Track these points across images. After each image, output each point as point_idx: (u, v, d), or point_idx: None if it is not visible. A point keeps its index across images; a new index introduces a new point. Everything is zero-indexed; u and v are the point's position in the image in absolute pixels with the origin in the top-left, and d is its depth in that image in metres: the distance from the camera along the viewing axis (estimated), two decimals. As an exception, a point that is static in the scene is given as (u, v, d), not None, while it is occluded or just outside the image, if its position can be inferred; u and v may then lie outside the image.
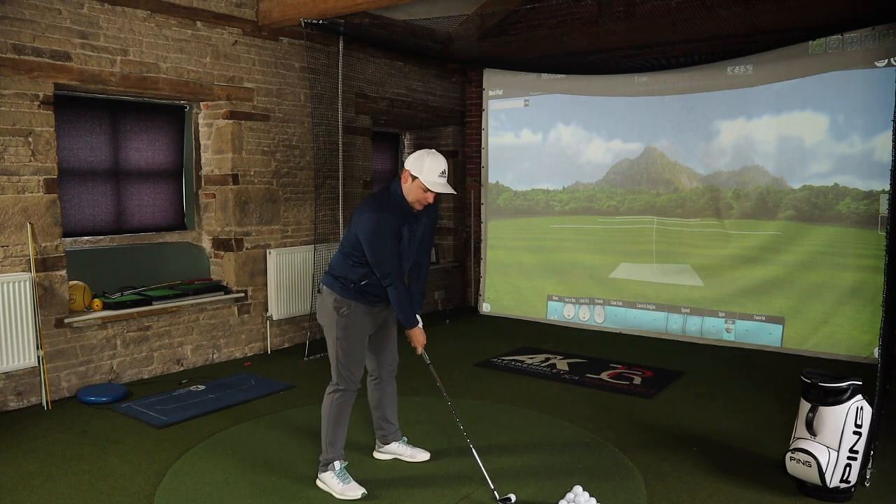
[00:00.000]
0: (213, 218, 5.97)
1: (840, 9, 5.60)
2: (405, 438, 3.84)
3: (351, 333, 3.44)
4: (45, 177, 4.69)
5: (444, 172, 3.30)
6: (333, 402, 3.47)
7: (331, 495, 3.37)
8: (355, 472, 3.53)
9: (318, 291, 3.56)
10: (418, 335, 3.52)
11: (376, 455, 3.81)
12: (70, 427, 4.27)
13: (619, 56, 6.95)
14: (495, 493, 3.31)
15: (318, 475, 3.49)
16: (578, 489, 3.17)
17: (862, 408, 3.30)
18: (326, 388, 3.52)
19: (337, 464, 3.44)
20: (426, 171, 3.26)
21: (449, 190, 3.34)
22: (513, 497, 3.28)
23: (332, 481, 3.42)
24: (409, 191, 3.30)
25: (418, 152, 3.33)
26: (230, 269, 5.92)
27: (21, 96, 4.54)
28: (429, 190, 3.28)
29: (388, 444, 3.79)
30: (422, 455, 3.78)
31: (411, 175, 3.28)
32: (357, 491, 3.37)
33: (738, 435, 4.18)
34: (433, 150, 3.35)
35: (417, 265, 3.57)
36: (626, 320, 7.05)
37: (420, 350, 3.57)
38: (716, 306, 6.57)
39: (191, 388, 5.03)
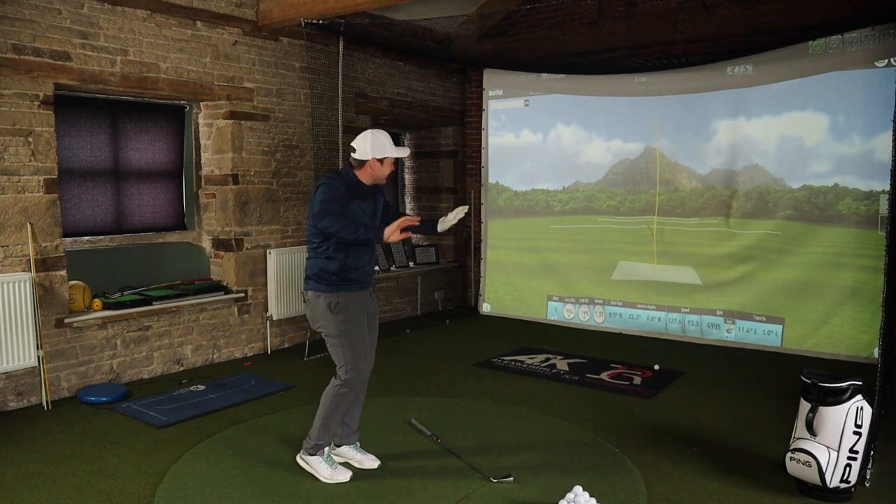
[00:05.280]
0: (213, 218, 5.98)
1: (840, 9, 5.60)
2: (358, 443, 3.73)
3: (351, 326, 3.46)
4: (45, 177, 4.69)
5: (391, 141, 3.50)
6: (337, 396, 3.49)
7: (331, 495, 3.36)
8: (354, 473, 3.55)
9: (305, 301, 3.56)
10: (392, 229, 3.30)
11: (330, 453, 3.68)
12: (70, 427, 4.27)
13: (619, 56, 6.94)
14: (491, 478, 3.45)
15: (303, 455, 3.56)
16: (578, 489, 3.17)
17: (862, 408, 3.30)
18: (332, 381, 3.52)
19: (326, 449, 3.53)
20: (389, 149, 3.46)
21: (405, 152, 3.68)
22: (511, 477, 3.46)
23: (319, 466, 3.50)
24: (379, 172, 3.49)
25: (364, 140, 3.44)
26: (230, 269, 5.93)
27: (21, 96, 4.54)
28: (394, 161, 3.53)
29: (339, 446, 3.69)
30: (370, 462, 3.66)
31: (377, 160, 3.45)
32: (346, 474, 3.51)
33: (738, 435, 4.18)
34: (368, 131, 3.49)
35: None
36: (626, 320, 7.05)
37: (404, 226, 3.30)
38: (716, 306, 6.57)
39: (191, 388, 5.03)
